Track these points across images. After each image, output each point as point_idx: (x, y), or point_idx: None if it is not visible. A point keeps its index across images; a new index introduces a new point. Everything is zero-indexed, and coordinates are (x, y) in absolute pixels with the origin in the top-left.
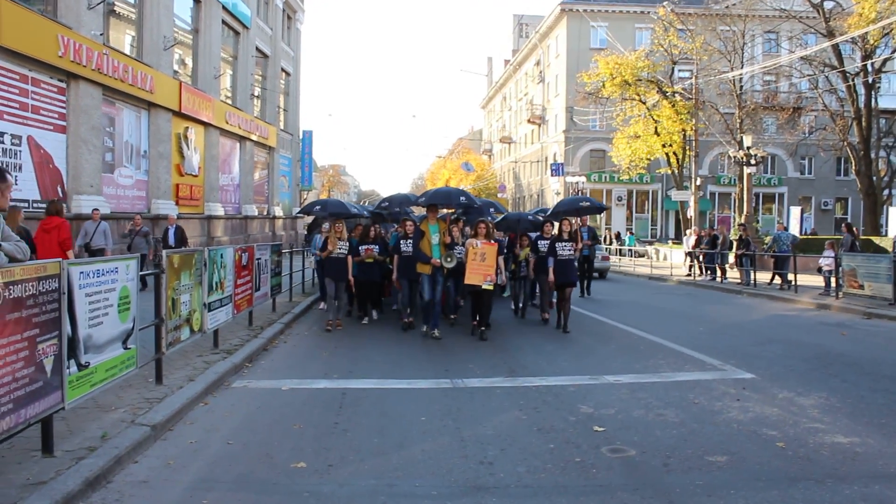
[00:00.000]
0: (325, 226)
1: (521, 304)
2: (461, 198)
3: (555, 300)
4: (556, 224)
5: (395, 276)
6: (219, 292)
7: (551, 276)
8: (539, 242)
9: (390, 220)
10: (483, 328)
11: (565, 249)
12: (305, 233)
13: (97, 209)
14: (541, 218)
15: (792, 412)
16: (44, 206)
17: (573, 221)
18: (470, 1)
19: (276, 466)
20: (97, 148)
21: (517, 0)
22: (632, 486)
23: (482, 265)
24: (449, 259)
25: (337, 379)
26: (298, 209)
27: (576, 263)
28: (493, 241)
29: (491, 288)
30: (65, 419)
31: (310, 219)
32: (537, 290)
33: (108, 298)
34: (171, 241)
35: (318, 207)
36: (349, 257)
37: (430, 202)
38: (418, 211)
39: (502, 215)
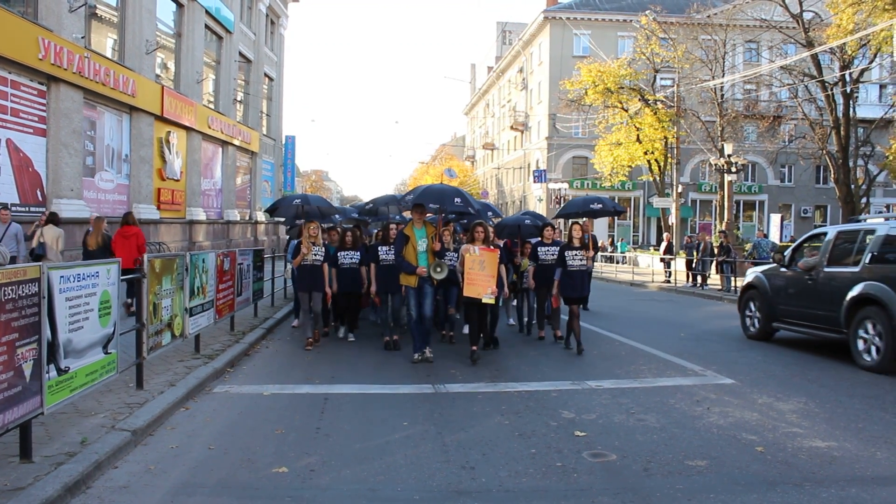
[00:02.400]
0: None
1: (524, 319)
2: (456, 199)
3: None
4: (555, 228)
5: (374, 288)
6: (200, 297)
7: (555, 290)
8: (539, 249)
9: (369, 225)
10: (486, 347)
11: (576, 259)
12: (287, 238)
13: (5, 209)
14: (527, 222)
15: (771, 417)
16: (24, 209)
17: (584, 226)
18: (454, 8)
19: (258, 471)
20: (78, 152)
21: (501, 7)
22: (612, 491)
23: (481, 274)
24: (438, 269)
25: (319, 384)
26: (267, 209)
27: (588, 274)
28: (492, 247)
29: (492, 301)
30: (44, 424)
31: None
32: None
33: (88, 303)
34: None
35: (297, 200)
36: (325, 265)
37: (419, 201)
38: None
39: (500, 219)
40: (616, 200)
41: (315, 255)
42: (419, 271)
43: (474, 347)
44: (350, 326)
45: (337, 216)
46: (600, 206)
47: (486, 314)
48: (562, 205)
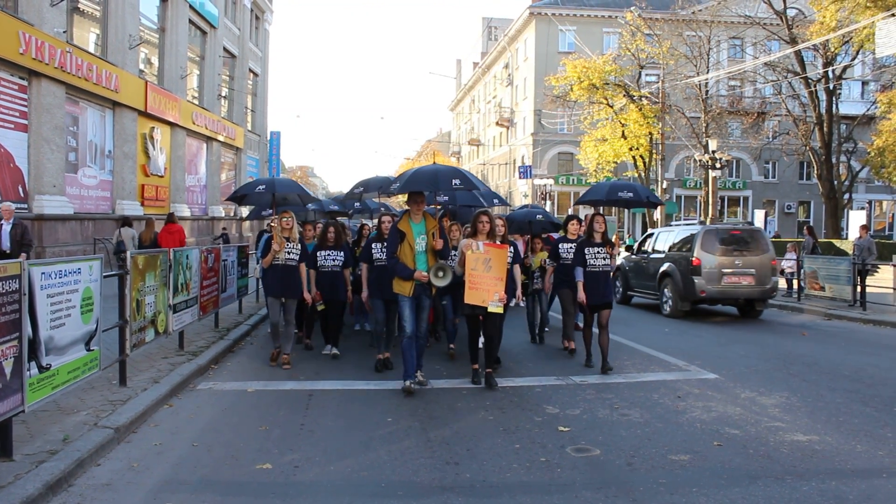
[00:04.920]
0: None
1: (536, 327)
2: (455, 180)
3: (581, 324)
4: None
5: (366, 294)
6: (184, 294)
7: (581, 295)
8: (561, 246)
9: (351, 216)
10: (490, 369)
11: (598, 257)
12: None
13: None
14: (540, 218)
15: (754, 411)
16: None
17: (606, 219)
18: (439, 3)
19: (242, 468)
20: (60, 147)
21: (486, 3)
22: (596, 485)
23: (487, 276)
24: (440, 274)
25: (303, 380)
26: (229, 198)
27: (611, 276)
28: (501, 243)
29: (500, 310)
30: (25, 422)
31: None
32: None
33: (70, 300)
34: (5, 243)
35: (261, 187)
36: (302, 266)
37: (409, 188)
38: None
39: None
40: None
41: (289, 252)
42: (418, 276)
43: (475, 366)
44: (334, 340)
45: (311, 205)
46: (631, 194)
47: (490, 325)
48: (546, 201)
